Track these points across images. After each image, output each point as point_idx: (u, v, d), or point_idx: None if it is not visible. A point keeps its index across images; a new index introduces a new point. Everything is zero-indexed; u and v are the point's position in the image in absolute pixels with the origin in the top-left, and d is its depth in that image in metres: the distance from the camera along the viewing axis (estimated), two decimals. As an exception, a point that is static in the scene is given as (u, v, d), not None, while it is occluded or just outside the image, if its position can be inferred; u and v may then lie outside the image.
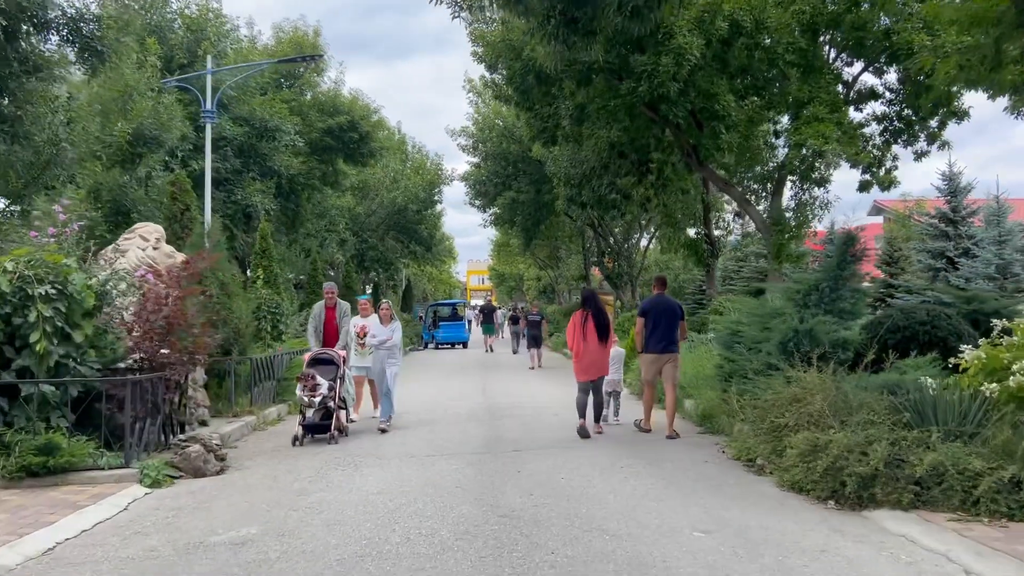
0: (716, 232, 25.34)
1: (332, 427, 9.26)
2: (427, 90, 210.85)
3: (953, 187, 26.71)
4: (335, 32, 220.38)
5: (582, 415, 10.35)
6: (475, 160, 33.74)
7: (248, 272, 19.46)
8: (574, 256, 48.70)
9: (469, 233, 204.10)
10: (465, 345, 34.01)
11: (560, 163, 25.27)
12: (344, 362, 9.89)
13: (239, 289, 11.77)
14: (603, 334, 10.36)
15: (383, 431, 10.11)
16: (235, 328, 11.33)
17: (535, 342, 23.45)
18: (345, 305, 10.85)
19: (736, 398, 8.62)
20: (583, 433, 9.86)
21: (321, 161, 25.02)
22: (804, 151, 17.57)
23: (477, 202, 35.63)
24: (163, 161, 18.42)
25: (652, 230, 35.99)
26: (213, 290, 11.21)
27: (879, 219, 40.95)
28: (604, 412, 10.80)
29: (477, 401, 13.74)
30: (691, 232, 25.54)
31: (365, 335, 10.80)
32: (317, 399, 9.03)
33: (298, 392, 9.24)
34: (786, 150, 19.71)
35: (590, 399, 10.35)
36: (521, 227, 34.89)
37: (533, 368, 22.69)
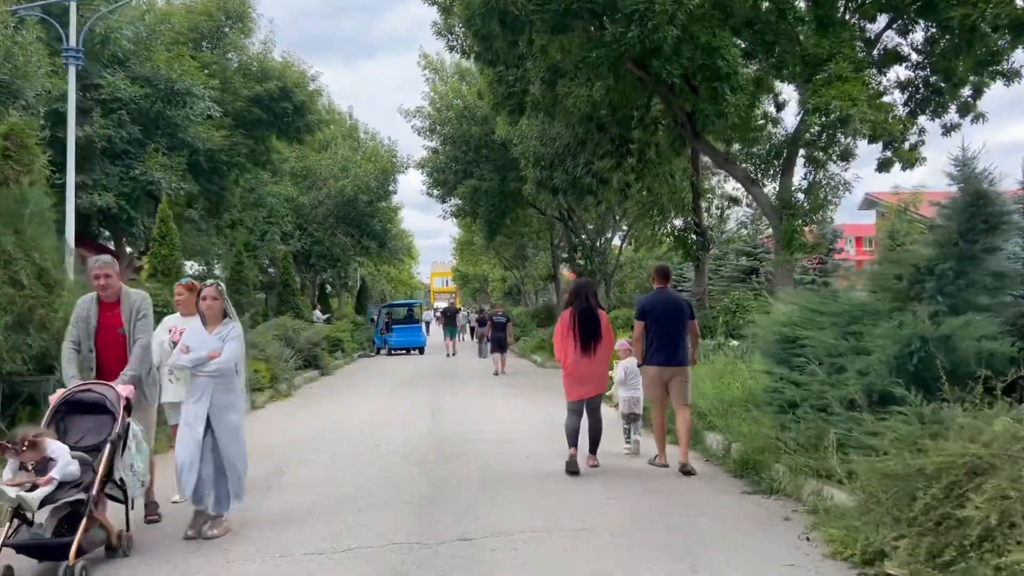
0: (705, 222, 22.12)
1: (75, 544, 4.27)
2: (393, 92, 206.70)
3: (967, 174, 23.68)
4: (301, 33, 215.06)
5: (572, 443, 7.62)
6: (432, 144, 30.29)
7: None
8: (542, 254, 45.49)
9: (433, 235, 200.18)
10: (422, 351, 30.52)
11: (528, 142, 22.03)
12: (127, 409, 5.02)
13: (62, 277, 8.18)
14: (592, 339, 7.62)
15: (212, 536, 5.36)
16: (58, 334, 7.74)
17: (500, 346, 20.97)
18: (137, 297, 5.70)
19: (835, 454, 5.28)
20: (572, 468, 7.43)
21: (248, 136, 21.32)
22: (825, 117, 14.41)
23: (435, 192, 32.15)
24: (31, 121, 14.62)
25: (627, 224, 32.92)
26: (25, 278, 7.66)
27: (870, 213, 38.36)
28: (630, 437, 8.61)
29: (423, 429, 10.28)
30: (677, 222, 22.40)
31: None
32: (41, 492, 4.26)
33: (5, 476, 4.45)
34: (797, 119, 16.63)
35: (584, 424, 7.73)
36: (484, 219, 31.45)
37: (497, 374, 20.00)
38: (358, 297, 50.56)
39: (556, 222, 34.85)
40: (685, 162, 21.90)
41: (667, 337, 7.72)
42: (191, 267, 23.55)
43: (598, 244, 31.77)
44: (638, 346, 7.95)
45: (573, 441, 7.69)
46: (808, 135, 15.85)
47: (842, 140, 15.71)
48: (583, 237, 31.52)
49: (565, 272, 44.01)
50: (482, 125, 27.88)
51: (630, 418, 8.69)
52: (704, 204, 22.46)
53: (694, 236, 20.56)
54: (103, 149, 16.60)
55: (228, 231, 23.08)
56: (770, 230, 31.38)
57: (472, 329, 41.85)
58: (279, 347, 17.49)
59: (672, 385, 7.79)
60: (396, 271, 66.01)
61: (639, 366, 8.11)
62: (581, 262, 31.15)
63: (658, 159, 20.71)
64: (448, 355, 28.91)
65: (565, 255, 34.85)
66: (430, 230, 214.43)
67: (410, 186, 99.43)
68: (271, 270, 34.03)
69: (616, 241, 33.22)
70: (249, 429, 11.08)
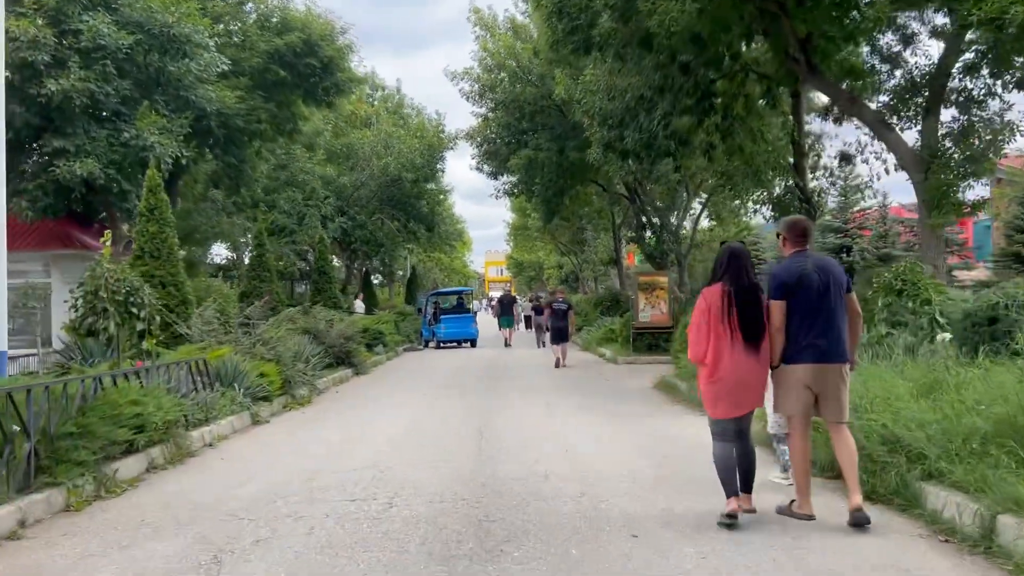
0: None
1: None
2: (443, 83, 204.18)
3: None
4: (350, 22, 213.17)
5: (731, 488, 5.14)
6: (482, 111, 27.04)
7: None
8: (603, 236, 41.97)
9: (487, 224, 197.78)
10: (473, 343, 27.39)
11: (593, 97, 18.63)
12: None
13: None
14: (756, 329, 5.17)
15: None
16: None
17: (561, 336, 18.50)
18: None
19: None
20: (732, 522, 4.97)
21: (268, 99, 18.40)
22: (999, 30, 10.71)
23: (487, 167, 28.94)
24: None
25: (702, 198, 29.23)
26: None
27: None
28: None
29: (464, 469, 7.07)
30: (771, 188, 18.80)
31: None
32: None
33: None
34: (945, 43, 12.92)
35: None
36: (541, 197, 28.13)
37: (559, 366, 17.65)
38: (408, 286, 47.92)
39: (621, 199, 31.38)
40: (780, 116, 18.45)
41: (820, 320, 5.10)
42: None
43: (669, 221, 28.11)
44: (778, 339, 5.17)
45: (732, 486, 5.14)
46: (966, 58, 12.18)
47: (1017, 62, 11.95)
48: (654, 219, 27.89)
49: (630, 261, 40.46)
50: (538, 86, 24.58)
51: (781, 439, 6.00)
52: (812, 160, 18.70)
53: (797, 203, 16.99)
54: (85, 108, 13.82)
55: (252, 211, 20.26)
56: (865, 202, 27.47)
57: (527, 318, 38.84)
58: (299, 343, 14.61)
59: (826, 395, 5.10)
60: (448, 259, 63.27)
61: (773, 367, 5.26)
62: (651, 242, 27.62)
63: (747, 114, 17.37)
64: (505, 346, 26.77)
65: (632, 234, 31.38)
66: (484, 220, 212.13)
67: (462, 176, 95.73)
68: (311, 256, 31.43)
69: (694, 209, 29.56)
70: (227, 462, 7.89)
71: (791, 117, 17.33)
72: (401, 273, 51.58)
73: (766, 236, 36.10)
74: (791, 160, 17.60)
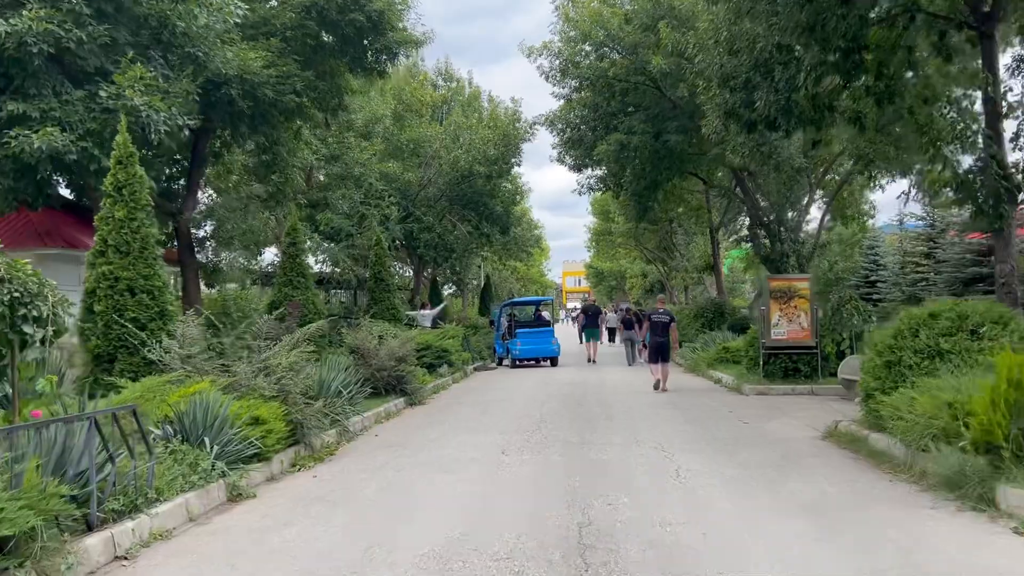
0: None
1: None
2: (518, 91, 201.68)
3: None
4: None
5: None
6: (564, 92, 23.16)
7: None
8: (697, 239, 37.56)
9: (564, 235, 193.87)
10: (554, 362, 23.47)
11: (711, 52, 14.67)
12: None
13: None
14: None
15: None
16: None
17: (661, 354, 15.41)
18: None
19: None
20: None
21: (306, 66, 14.96)
22: None
23: (569, 158, 25.06)
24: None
25: (818, 191, 24.69)
26: None
27: None
28: None
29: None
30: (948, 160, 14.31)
31: None
32: None
33: None
34: None
35: None
36: (630, 190, 24.00)
37: (659, 390, 14.98)
38: (482, 296, 44.45)
39: (725, 194, 27.09)
40: (945, 79, 14.16)
41: None
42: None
43: (787, 218, 23.59)
44: None
45: None
46: None
47: None
48: (768, 218, 23.45)
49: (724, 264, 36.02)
50: (630, 58, 20.59)
51: None
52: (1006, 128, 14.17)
53: (996, 180, 12.57)
54: (53, 60, 10.60)
55: (294, 207, 16.92)
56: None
57: (612, 331, 34.79)
58: (335, 365, 11.14)
59: None
60: (525, 267, 59.51)
61: None
62: (765, 242, 23.23)
63: (908, 71, 13.36)
64: (589, 360, 23.91)
65: (744, 232, 27.02)
66: (561, 231, 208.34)
67: (539, 186, 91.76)
68: (368, 256, 28.14)
69: (814, 214, 25.09)
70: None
71: (984, 70, 12.94)
72: (475, 283, 48.19)
73: (884, 238, 31.10)
74: (982, 127, 13.22)
